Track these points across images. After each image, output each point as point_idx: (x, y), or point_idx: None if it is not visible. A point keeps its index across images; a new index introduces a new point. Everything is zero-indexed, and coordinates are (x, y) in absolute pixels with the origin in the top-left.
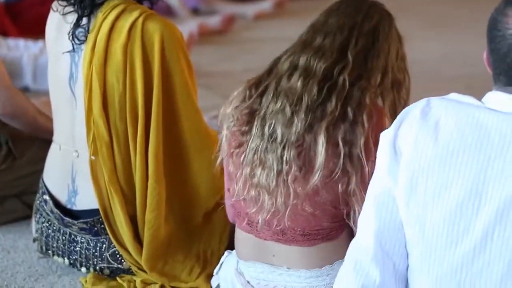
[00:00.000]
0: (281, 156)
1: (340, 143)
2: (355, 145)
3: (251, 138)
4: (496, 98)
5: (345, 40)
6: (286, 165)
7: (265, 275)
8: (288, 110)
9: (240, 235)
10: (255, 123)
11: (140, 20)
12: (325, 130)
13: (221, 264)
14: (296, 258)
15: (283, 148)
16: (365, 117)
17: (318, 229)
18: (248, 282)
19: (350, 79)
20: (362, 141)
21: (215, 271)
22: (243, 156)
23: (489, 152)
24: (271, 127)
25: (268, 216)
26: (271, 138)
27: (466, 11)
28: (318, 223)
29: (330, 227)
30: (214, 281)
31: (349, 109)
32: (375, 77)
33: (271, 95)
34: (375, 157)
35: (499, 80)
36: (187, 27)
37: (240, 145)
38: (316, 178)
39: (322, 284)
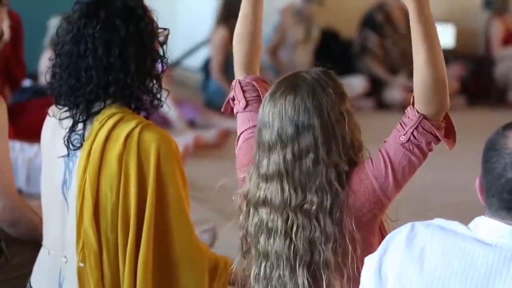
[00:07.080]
0: None
1: None
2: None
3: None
4: (484, 224)
5: (283, 159)
6: None
7: None
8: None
9: None
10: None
11: (137, 130)
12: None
13: None
14: None
15: None
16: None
17: None
18: None
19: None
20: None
21: None
22: None
23: (475, 282)
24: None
25: None
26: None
27: (457, 138)
28: None
29: None
30: None
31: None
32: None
33: (257, 256)
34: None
35: (492, 203)
36: (183, 139)
37: None
38: None
39: None
